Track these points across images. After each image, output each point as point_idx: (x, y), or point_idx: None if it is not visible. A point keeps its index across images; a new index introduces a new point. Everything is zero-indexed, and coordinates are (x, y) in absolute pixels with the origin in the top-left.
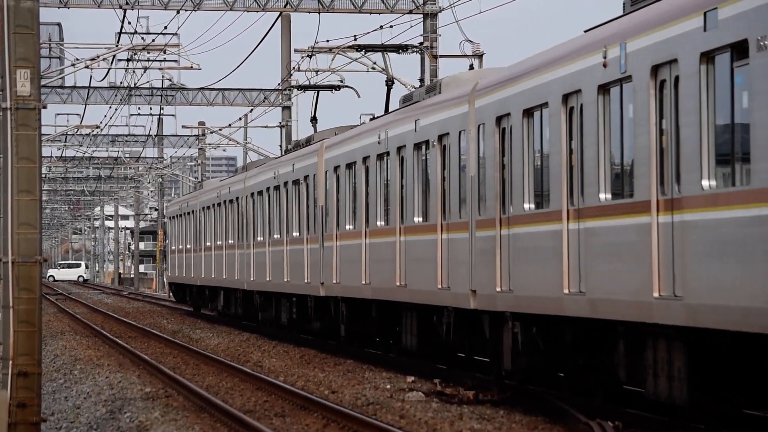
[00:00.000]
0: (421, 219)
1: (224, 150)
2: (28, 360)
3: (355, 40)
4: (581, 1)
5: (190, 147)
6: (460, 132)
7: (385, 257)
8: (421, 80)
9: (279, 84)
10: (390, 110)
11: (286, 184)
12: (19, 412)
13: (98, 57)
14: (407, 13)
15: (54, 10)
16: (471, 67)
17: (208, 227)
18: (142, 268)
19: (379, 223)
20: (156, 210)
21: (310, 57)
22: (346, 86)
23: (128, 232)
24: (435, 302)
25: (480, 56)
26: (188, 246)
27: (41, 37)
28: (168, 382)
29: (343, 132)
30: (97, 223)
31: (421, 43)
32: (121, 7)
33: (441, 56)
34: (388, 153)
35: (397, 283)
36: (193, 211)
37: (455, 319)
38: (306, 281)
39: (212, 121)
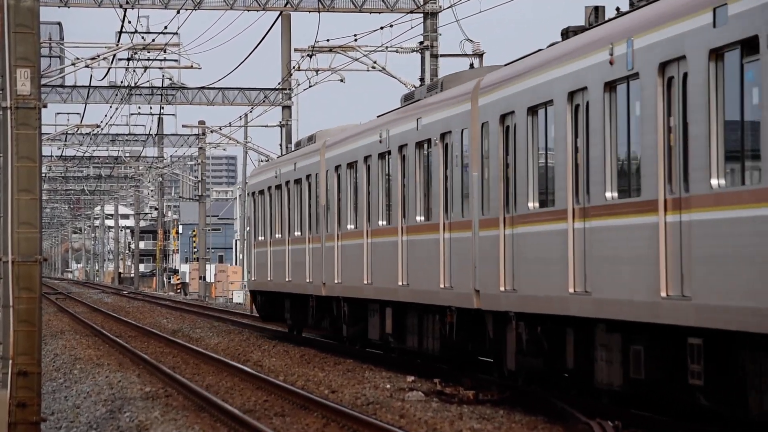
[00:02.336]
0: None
1: (224, 149)
2: (28, 359)
3: (356, 39)
4: (581, 1)
5: (190, 146)
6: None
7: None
8: (422, 79)
9: (279, 83)
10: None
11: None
12: (19, 412)
13: (98, 56)
14: (408, 13)
15: (54, 10)
16: (471, 66)
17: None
18: (141, 267)
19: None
20: (156, 209)
21: (310, 56)
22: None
23: (128, 231)
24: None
25: (480, 55)
26: (280, 235)
27: (41, 37)
28: (168, 381)
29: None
30: (97, 223)
31: (421, 43)
32: (121, 7)
33: (441, 55)
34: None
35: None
36: (293, 182)
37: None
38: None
39: (212, 120)
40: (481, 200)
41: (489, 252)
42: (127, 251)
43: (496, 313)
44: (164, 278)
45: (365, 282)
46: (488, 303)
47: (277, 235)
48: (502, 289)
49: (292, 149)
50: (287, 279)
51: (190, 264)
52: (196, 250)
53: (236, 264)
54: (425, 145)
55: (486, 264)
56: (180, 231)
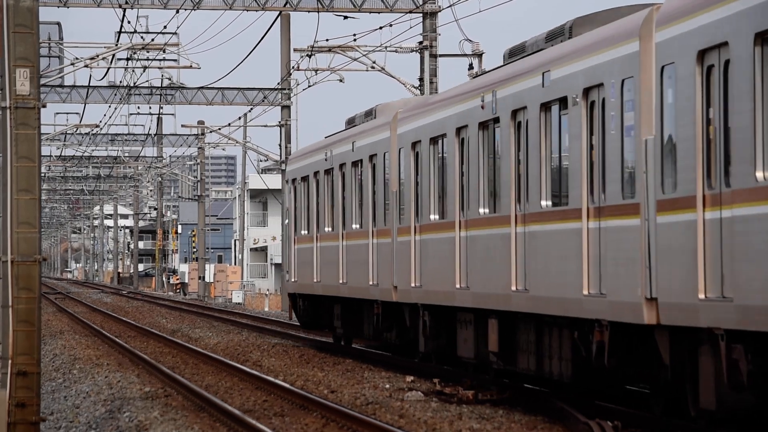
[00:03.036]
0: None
1: (223, 149)
2: (27, 359)
3: (355, 39)
4: (581, 0)
5: (189, 146)
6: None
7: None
8: (421, 79)
9: (278, 83)
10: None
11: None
12: (18, 412)
13: (98, 56)
14: (407, 13)
15: (53, 10)
16: (470, 66)
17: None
18: (140, 267)
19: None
20: (155, 209)
21: (309, 56)
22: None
23: (127, 231)
24: None
25: (479, 55)
26: (330, 228)
27: (41, 37)
28: (167, 381)
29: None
30: (96, 223)
31: (420, 42)
32: (120, 7)
33: (440, 55)
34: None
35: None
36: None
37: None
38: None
39: (212, 120)
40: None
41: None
42: (126, 251)
43: (681, 330)
44: (164, 278)
45: (457, 286)
46: (670, 316)
47: (326, 229)
48: (702, 296)
49: (345, 128)
50: (341, 281)
51: (189, 264)
52: (195, 250)
53: (235, 264)
54: (555, 106)
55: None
56: (179, 231)
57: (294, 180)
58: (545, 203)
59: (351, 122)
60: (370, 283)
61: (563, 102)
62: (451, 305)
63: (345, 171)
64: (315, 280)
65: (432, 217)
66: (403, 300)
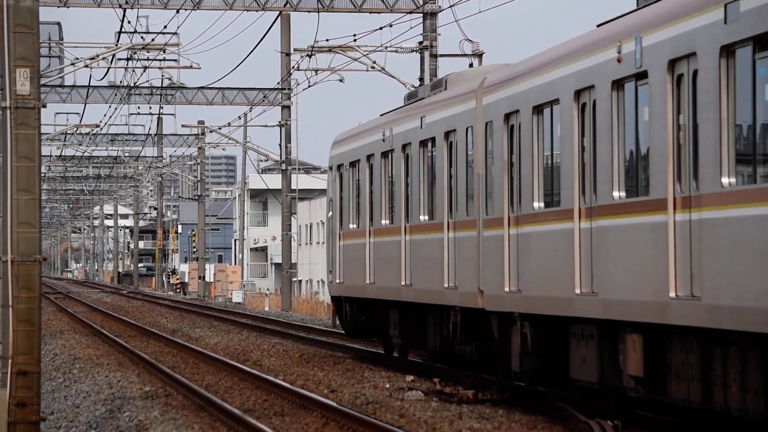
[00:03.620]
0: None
1: (224, 149)
2: (27, 359)
3: (355, 40)
4: (581, 1)
5: (189, 146)
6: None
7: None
8: (421, 79)
9: (278, 83)
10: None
11: None
12: (18, 411)
13: (98, 56)
14: (407, 13)
15: (53, 10)
16: (470, 66)
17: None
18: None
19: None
20: (155, 209)
21: (309, 56)
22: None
23: (127, 231)
24: None
25: (479, 55)
26: (388, 221)
27: (41, 37)
28: (167, 381)
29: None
30: (96, 222)
31: (420, 43)
32: (120, 7)
33: (441, 55)
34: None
35: None
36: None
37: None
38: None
39: (212, 120)
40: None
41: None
42: (126, 251)
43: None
44: (163, 278)
45: (578, 291)
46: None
47: (383, 222)
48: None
49: (405, 104)
50: (403, 282)
51: (189, 263)
52: (195, 249)
53: (235, 264)
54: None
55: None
56: (179, 231)
57: (340, 166)
58: (727, 180)
59: (413, 97)
60: (445, 285)
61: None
62: (564, 315)
63: (410, 152)
64: (367, 282)
65: (535, 205)
66: (493, 308)
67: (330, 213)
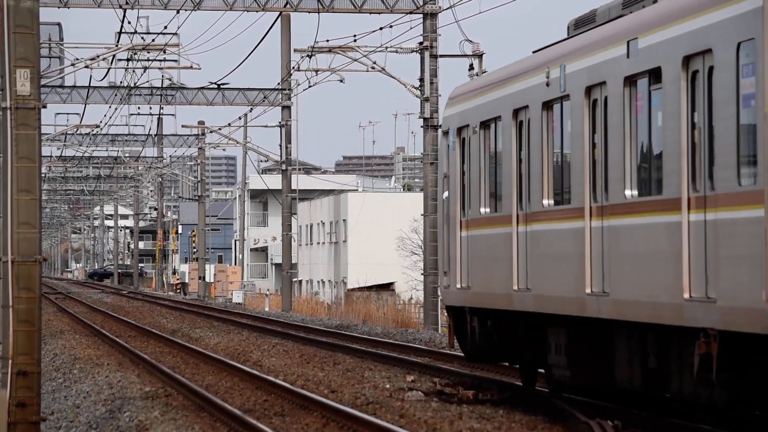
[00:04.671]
0: None
1: (224, 150)
2: (27, 359)
3: (355, 40)
4: (581, 1)
5: (189, 146)
6: None
7: None
8: (421, 80)
9: (279, 84)
10: None
11: None
12: (18, 412)
13: (98, 57)
14: (407, 13)
15: (54, 10)
16: (471, 67)
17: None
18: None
19: None
20: (155, 209)
21: (309, 57)
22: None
23: (128, 231)
24: None
25: (480, 56)
26: (549, 201)
27: (41, 37)
28: (167, 381)
29: None
30: (96, 223)
31: (420, 43)
32: (121, 7)
33: (441, 56)
34: None
35: None
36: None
37: None
38: None
39: (212, 120)
40: None
41: None
42: (126, 251)
43: None
44: (163, 278)
45: None
46: None
47: (544, 203)
48: None
49: (571, 35)
50: (589, 290)
51: (189, 264)
52: (195, 250)
53: (235, 264)
54: None
55: None
56: (179, 231)
57: (461, 130)
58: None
59: (586, 22)
60: (686, 296)
61: None
62: None
63: (602, 96)
64: (515, 288)
65: None
66: None
67: (445, 193)
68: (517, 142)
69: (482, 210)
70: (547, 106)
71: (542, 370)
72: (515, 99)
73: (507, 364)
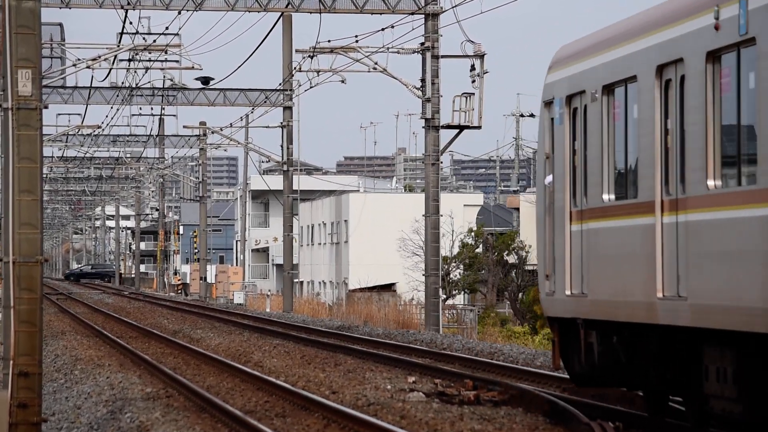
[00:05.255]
0: None
1: (225, 150)
2: (28, 360)
3: (357, 41)
4: (581, 1)
5: (191, 147)
6: None
7: None
8: (423, 80)
9: (280, 84)
10: None
11: None
12: (19, 412)
13: (100, 57)
14: (409, 14)
15: (55, 11)
16: (472, 67)
17: None
18: (142, 267)
19: None
20: (157, 210)
21: (311, 57)
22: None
23: (129, 232)
24: None
25: (481, 56)
26: (718, 182)
27: (42, 38)
28: (169, 382)
29: None
30: (98, 223)
31: (422, 44)
32: (122, 8)
33: (443, 56)
34: None
35: None
36: None
37: None
38: None
39: (213, 121)
40: None
41: None
42: (128, 252)
43: None
44: (164, 278)
45: None
46: None
47: (710, 183)
48: None
49: None
50: None
51: (190, 264)
52: (196, 250)
53: (237, 265)
54: None
55: None
56: (181, 232)
57: (571, 98)
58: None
59: None
60: None
61: None
62: None
63: None
64: (660, 296)
65: None
66: None
67: (547, 178)
68: (662, 108)
69: (605, 197)
70: (714, 57)
71: (679, 398)
72: (661, 51)
73: (625, 389)
